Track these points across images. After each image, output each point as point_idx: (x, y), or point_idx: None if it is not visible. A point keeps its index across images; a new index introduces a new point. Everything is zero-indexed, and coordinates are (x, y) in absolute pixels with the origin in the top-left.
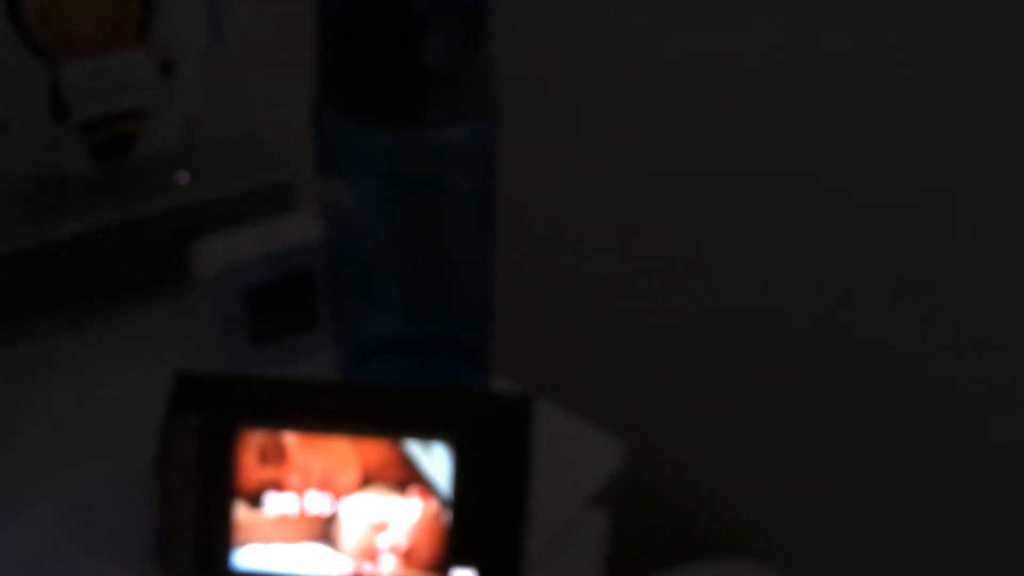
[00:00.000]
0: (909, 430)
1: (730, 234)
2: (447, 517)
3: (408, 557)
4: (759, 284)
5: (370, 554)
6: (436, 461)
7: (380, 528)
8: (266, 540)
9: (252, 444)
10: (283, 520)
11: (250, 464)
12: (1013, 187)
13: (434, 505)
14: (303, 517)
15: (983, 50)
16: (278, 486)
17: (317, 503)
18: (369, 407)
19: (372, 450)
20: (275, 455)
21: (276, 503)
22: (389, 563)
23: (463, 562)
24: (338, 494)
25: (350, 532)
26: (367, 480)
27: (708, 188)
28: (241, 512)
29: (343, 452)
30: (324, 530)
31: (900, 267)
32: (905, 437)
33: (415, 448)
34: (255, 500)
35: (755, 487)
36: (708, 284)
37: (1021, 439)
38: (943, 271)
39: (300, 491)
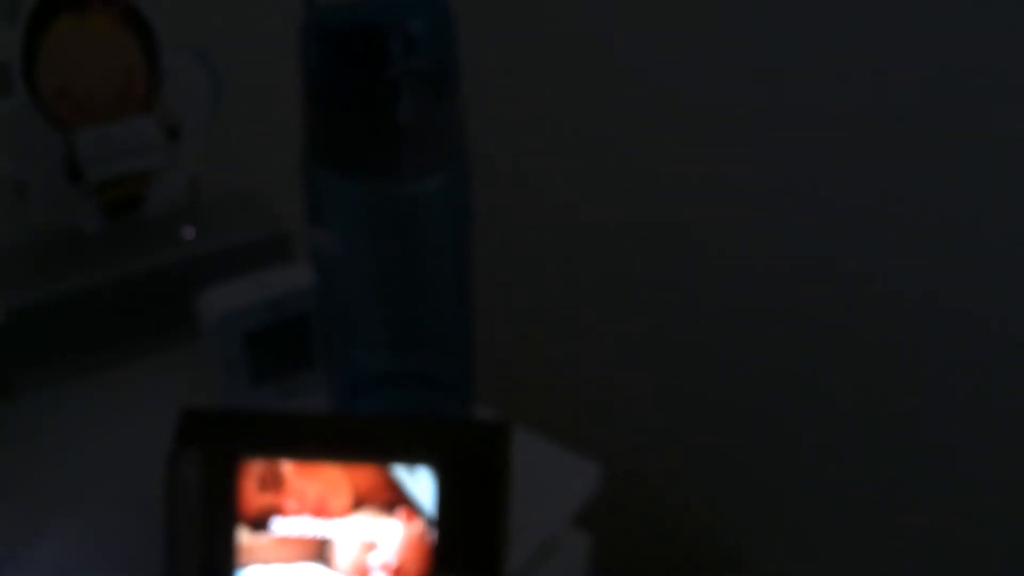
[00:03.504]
0: (897, 448)
1: (709, 253)
2: (432, 536)
3: (397, 574)
4: (739, 303)
5: (362, 572)
6: (421, 484)
7: (371, 547)
8: (267, 561)
9: (252, 472)
10: (282, 542)
11: (251, 491)
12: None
13: (420, 525)
14: (301, 539)
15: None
16: (277, 511)
17: (313, 526)
18: (358, 436)
19: (362, 475)
20: (274, 482)
21: (276, 527)
22: None
23: None
24: (332, 517)
25: (344, 552)
26: (358, 503)
27: (684, 207)
28: (244, 535)
29: (335, 478)
30: (320, 550)
31: (884, 275)
32: (893, 455)
33: (401, 472)
34: (256, 524)
35: (743, 507)
36: (688, 306)
37: (1017, 451)
38: (927, 277)
39: (297, 515)
